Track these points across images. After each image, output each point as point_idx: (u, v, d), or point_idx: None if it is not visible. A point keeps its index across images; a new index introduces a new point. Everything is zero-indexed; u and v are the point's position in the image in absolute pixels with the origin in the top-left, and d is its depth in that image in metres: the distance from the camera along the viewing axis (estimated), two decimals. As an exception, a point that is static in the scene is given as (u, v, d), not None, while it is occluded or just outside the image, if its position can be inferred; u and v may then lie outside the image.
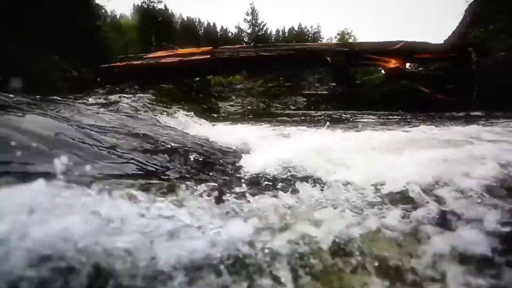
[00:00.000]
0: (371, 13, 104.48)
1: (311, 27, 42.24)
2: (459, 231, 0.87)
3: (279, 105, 12.18)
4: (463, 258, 0.76)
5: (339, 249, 0.78)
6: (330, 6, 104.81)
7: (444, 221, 0.94)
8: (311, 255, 0.74)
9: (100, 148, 1.26)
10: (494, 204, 1.04)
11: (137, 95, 5.87)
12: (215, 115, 7.12)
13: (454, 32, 9.94)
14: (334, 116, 6.73)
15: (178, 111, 3.81)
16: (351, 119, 5.78)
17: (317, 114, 7.90)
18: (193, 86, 9.63)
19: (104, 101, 4.36)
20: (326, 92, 12.61)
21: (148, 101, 5.06)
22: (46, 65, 8.05)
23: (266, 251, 0.73)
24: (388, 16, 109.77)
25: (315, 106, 10.89)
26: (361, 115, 6.44)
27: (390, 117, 5.95)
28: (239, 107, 11.19)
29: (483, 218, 0.92)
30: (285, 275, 0.67)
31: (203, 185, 1.03)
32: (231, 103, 11.68)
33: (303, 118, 6.62)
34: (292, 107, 11.89)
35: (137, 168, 1.18)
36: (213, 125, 3.40)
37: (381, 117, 5.95)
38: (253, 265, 0.69)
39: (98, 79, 8.73)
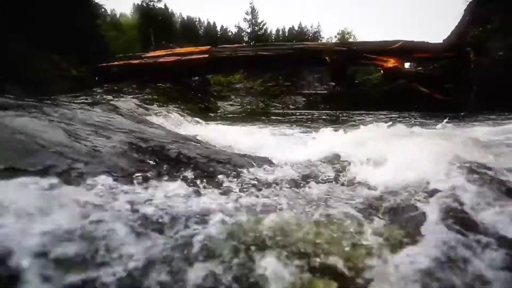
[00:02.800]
0: (371, 13, 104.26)
1: (311, 27, 42.25)
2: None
3: (278, 105, 12.15)
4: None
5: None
6: (330, 6, 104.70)
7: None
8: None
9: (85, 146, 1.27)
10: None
11: (134, 94, 5.88)
12: (212, 114, 7.12)
13: (453, 31, 9.90)
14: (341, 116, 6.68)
15: (173, 110, 3.81)
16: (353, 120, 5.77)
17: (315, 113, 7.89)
18: (191, 85, 9.62)
19: (97, 100, 4.37)
20: (325, 92, 12.57)
21: (144, 100, 5.06)
22: (46, 64, 8.06)
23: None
24: (388, 16, 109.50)
25: (315, 105, 10.88)
26: (360, 115, 6.43)
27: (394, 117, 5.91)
28: (239, 107, 11.18)
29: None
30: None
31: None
32: (230, 102, 11.66)
33: (301, 118, 6.62)
34: (291, 107, 11.86)
35: (118, 165, 1.20)
36: (207, 124, 3.41)
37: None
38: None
39: (97, 78, 8.73)
